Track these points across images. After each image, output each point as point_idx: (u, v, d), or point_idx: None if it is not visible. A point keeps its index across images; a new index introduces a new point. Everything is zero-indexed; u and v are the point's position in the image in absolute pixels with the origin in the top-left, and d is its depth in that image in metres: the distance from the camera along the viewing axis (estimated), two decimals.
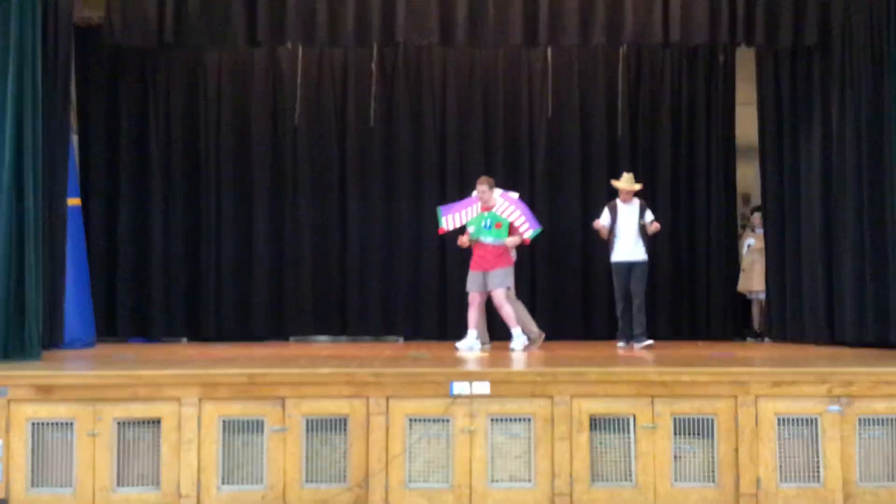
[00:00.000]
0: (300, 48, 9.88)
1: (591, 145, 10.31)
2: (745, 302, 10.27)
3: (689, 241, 10.26)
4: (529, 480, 5.36)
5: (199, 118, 10.19)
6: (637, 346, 8.22)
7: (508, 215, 8.07)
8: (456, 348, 7.87)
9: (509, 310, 7.93)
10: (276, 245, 10.14)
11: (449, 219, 8.43)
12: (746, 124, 10.04)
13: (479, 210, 8.16)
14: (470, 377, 5.43)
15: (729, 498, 5.35)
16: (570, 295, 10.17)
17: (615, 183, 8.56)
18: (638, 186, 8.49)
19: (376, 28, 8.22)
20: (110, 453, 5.28)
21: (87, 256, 8.77)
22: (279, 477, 5.29)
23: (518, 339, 7.85)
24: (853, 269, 8.14)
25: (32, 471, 5.27)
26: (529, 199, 10.17)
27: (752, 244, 10.01)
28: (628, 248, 8.36)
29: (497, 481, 5.35)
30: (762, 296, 9.86)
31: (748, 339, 10.01)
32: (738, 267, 10.30)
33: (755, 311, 10.10)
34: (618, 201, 8.49)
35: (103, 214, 9.92)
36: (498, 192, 8.21)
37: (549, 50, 10.05)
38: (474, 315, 8.01)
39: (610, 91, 10.31)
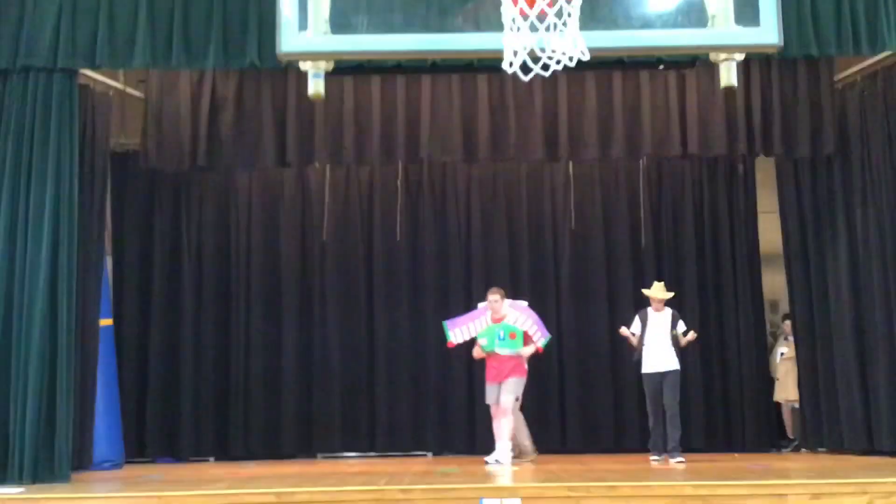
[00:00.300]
0: (328, 167, 10.15)
1: (616, 256, 10.36)
2: (779, 412, 10.10)
3: (719, 350, 10.14)
4: None
5: (229, 236, 10.39)
6: (672, 460, 7.95)
7: (521, 325, 8.06)
8: (486, 462, 7.77)
9: (510, 422, 7.84)
10: (305, 361, 10.15)
11: (457, 332, 8.33)
12: (770, 232, 10.06)
13: (490, 321, 8.12)
14: (501, 493, 5.33)
15: None
16: (601, 407, 10.02)
17: (646, 292, 8.46)
18: (669, 295, 8.38)
19: (401, 147, 8.47)
20: None
21: (117, 376, 8.83)
22: None
23: (502, 453, 7.75)
24: (887, 375, 8.01)
25: None
26: (555, 311, 10.24)
27: (785, 353, 9.89)
28: (660, 358, 8.16)
29: None
30: (797, 404, 9.69)
31: (783, 449, 9.79)
32: (768, 375, 10.15)
33: (787, 419, 9.93)
34: (649, 310, 8.34)
35: (135, 334, 10.00)
36: (507, 302, 8.21)
37: (570, 163, 10.23)
38: (496, 428, 7.94)
39: (632, 201, 10.41)
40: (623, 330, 8.39)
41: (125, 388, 9.26)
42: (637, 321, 8.35)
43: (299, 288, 10.30)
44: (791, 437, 9.82)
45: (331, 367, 10.11)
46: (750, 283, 10.19)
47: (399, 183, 10.36)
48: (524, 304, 8.42)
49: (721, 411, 10.07)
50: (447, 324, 8.45)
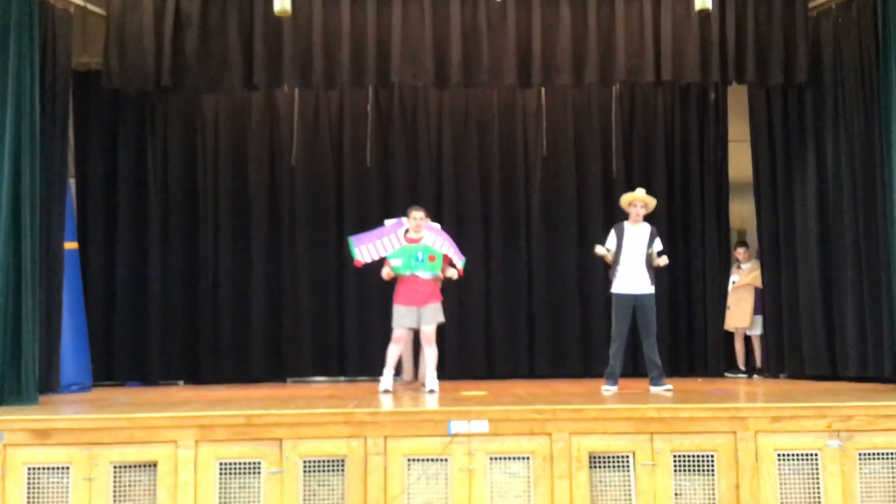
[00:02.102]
0: (297, 91, 9.98)
1: (587, 183, 10.37)
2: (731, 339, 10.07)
3: (685, 277, 10.28)
4: None
5: (196, 161, 10.24)
6: (655, 389, 7.31)
7: (440, 248, 7.61)
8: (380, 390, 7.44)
9: (435, 350, 7.53)
10: (274, 286, 10.13)
11: (363, 250, 7.67)
12: (740, 161, 10.10)
13: (403, 241, 7.61)
14: (468, 416, 5.41)
15: None
16: (568, 334, 10.15)
17: (627, 195, 7.65)
18: (653, 200, 7.60)
19: (371, 70, 8.31)
20: (107, 498, 5.24)
21: (84, 300, 8.77)
22: None
23: (433, 380, 7.45)
24: (853, 304, 8.15)
25: None
26: (525, 239, 10.28)
27: (736, 281, 9.83)
28: (634, 278, 7.36)
29: None
30: (750, 332, 9.77)
31: (728, 375, 9.85)
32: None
33: (739, 348, 9.89)
34: (626, 224, 7.51)
35: (101, 258, 9.92)
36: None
37: (543, 90, 10.15)
38: (396, 353, 7.60)
39: (604, 129, 10.39)
40: (598, 249, 7.57)
41: (91, 313, 9.21)
42: (612, 235, 7.54)
43: (268, 213, 10.23)
44: (741, 367, 9.88)
45: (300, 291, 10.11)
46: (717, 212, 10.27)
47: (369, 108, 10.23)
48: (438, 226, 8.06)
49: (685, 338, 10.25)
50: (353, 240, 7.84)
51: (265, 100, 10.27)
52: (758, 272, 9.66)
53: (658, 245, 7.51)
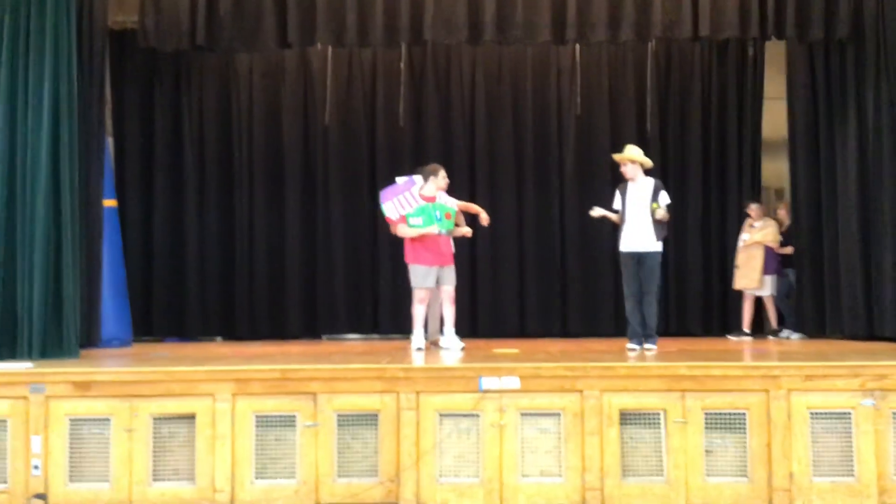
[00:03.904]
0: (330, 49, 9.96)
1: (621, 141, 10.22)
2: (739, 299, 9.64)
3: (719, 235, 10.18)
4: (560, 475, 5.38)
5: (231, 119, 10.32)
6: (631, 345, 7.08)
7: (451, 205, 7.56)
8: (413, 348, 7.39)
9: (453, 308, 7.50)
10: (309, 244, 10.23)
11: (389, 206, 7.53)
12: (774, 118, 9.93)
13: (419, 200, 7.47)
14: (500, 372, 5.46)
15: (761, 493, 5.33)
16: (602, 291, 10.14)
17: (615, 156, 7.45)
18: (638, 156, 7.23)
19: (405, 28, 8.26)
20: (146, 449, 5.38)
21: (123, 256, 8.92)
22: (311, 471, 5.36)
23: (454, 339, 7.42)
24: (891, 263, 8.03)
25: (70, 466, 5.39)
26: (559, 197, 10.25)
27: (746, 239, 9.37)
28: (637, 236, 7.08)
29: (527, 476, 5.38)
30: (759, 293, 9.40)
31: (730, 337, 9.35)
32: None
33: (747, 308, 9.45)
34: (628, 183, 7.26)
35: (139, 215, 10.06)
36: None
37: (578, 46, 10.03)
38: (423, 313, 7.48)
39: (639, 86, 10.27)
40: (595, 210, 7.41)
41: (130, 270, 9.35)
42: (617, 195, 7.33)
43: (302, 171, 10.30)
44: (745, 329, 9.43)
45: (334, 249, 10.20)
46: (752, 171, 10.13)
47: (402, 66, 10.19)
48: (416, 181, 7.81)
49: (719, 297, 10.17)
50: (381, 196, 7.69)
51: (299, 58, 10.28)
52: (770, 230, 9.31)
53: (664, 198, 7.09)
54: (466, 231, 7.77)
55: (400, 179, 7.84)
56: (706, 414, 5.40)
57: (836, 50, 8.86)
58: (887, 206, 8.11)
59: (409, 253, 7.53)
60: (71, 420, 5.41)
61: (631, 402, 5.42)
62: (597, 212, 7.40)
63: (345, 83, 10.32)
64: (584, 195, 10.20)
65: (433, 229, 7.42)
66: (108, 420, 5.40)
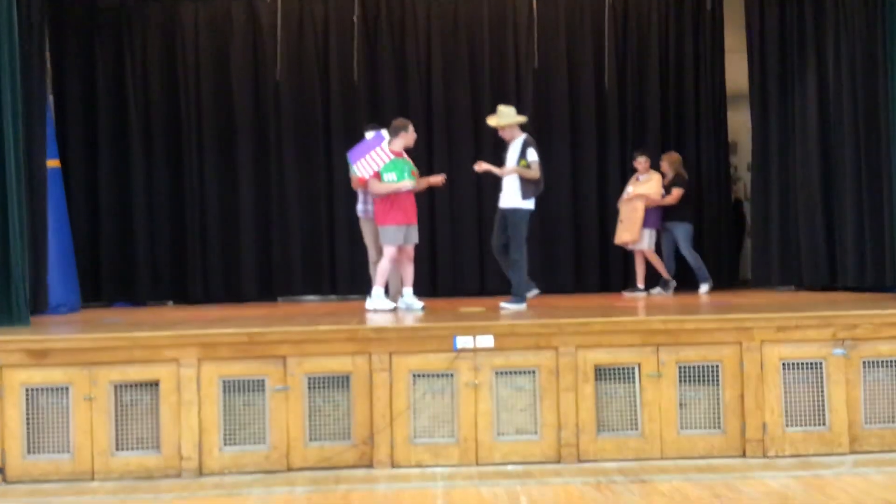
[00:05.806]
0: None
1: (579, 97, 10.18)
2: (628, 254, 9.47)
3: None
4: (535, 433, 5.33)
5: (177, 75, 9.92)
6: (506, 304, 7.11)
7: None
8: (366, 308, 7.29)
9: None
10: (263, 203, 9.95)
11: (360, 165, 7.24)
12: (736, 72, 9.93)
13: (390, 154, 7.26)
14: (473, 331, 5.36)
15: (735, 444, 5.36)
16: (562, 248, 10.09)
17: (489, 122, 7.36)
18: (500, 118, 7.17)
19: None
20: (108, 417, 5.19)
21: (68, 219, 8.56)
22: (282, 436, 5.22)
23: (412, 297, 7.39)
24: (852, 215, 8.10)
25: (28, 437, 5.19)
26: None
27: (630, 192, 9.03)
28: (505, 192, 7.07)
29: (503, 434, 5.32)
30: (636, 247, 9.04)
31: (625, 294, 9.15)
32: (730, 215, 10.20)
33: (639, 265, 9.16)
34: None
35: (84, 177, 9.68)
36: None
37: (535, 0, 9.86)
38: (388, 269, 7.32)
39: (597, 41, 10.15)
40: (480, 165, 7.31)
41: (76, 233, 9.01)
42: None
43: (253, 129, 9.99)
44: (640, 285, 9.16)
45: (289, 209, 9.95)
46: (714, 124, 10.12)
47: (356, 18, 9.91)
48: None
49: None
50: (349, 157, 7.42)
51: (247, 10, 9.92)
52: (653, 182, 8.97)
53: (531, 155, 7.00)
54: (438, 179, 7.57)
55: (368, 134, 7.61)
56: (680, 367, 5.40)
57: (794, 2, 8.84)
58: (848, 157, 8.14)
59: (379, 214, 7.32)
60: (27, 389, 5.17)
61: (606, 357, 5.38)
62: (481, 166, 7.28)
63: (296, 37, 10.00)
64: (544, 149, 10.02)
65: (408, 184, 7.25)
66: (66, 388, 5.19)
